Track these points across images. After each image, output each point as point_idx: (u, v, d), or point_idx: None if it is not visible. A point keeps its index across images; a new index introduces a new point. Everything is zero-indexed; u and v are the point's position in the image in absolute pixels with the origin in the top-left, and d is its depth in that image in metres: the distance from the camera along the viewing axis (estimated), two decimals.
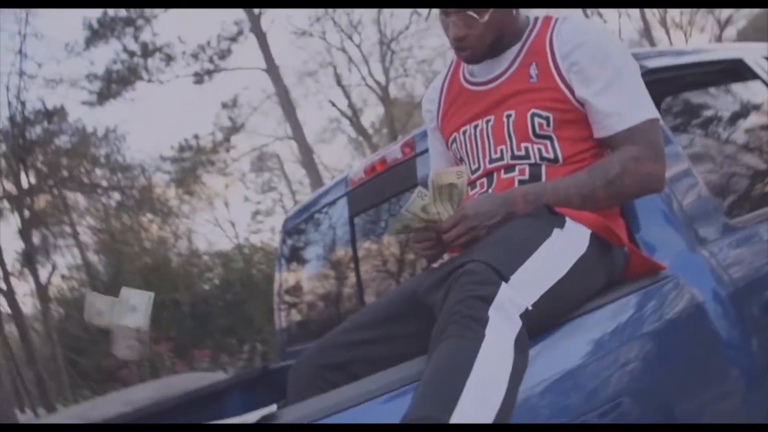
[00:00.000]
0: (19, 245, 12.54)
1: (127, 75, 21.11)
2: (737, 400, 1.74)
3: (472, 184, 1.93)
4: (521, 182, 1.83)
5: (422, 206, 1.65)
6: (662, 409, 1.61)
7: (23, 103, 11.64)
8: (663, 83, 2.19)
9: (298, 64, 34.68)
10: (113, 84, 20.55)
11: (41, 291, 12.09)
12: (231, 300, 12.07)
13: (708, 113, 2.50)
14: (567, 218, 1.67)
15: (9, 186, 12.01)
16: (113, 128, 16.79)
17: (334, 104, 27.22)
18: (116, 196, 13.75)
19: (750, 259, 2.02)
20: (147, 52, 21.65)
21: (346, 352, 1.81)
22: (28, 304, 13.73)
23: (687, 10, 22.78)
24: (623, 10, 21.38)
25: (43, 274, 12.90)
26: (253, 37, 22.45)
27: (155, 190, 16.28)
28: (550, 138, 1.85)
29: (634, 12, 22.67)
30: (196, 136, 23.71)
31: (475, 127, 1.96)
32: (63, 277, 13.71)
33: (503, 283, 1.38)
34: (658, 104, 1.94)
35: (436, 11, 2.02)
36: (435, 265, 1.86)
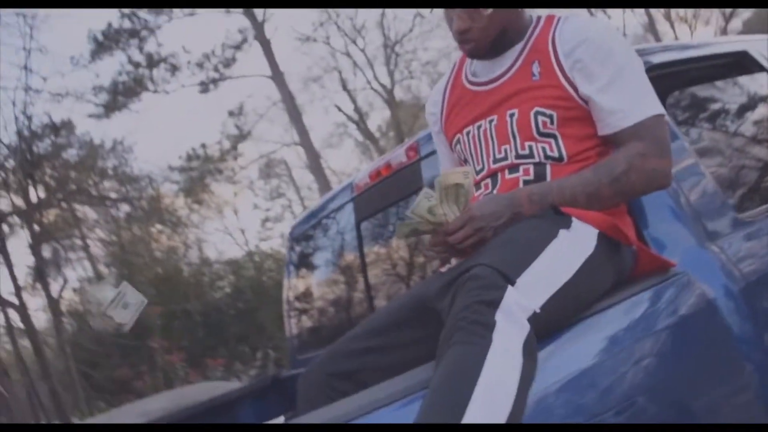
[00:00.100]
0: (31, 260, 12.58)
1: (133, 86, 21.17)
2: (751, 395, 1.72)
3: (476, 185, 1.92)
4: (526, 182, 1.82)
5: (428, 208, 1.64)
6: (677, 405, 1.60)
7: (30, 118, 11.65)
8: (668, 78, 2.17)
9: (303, 70, 34.77)
10: (119, 96, 20.62)
11: (53, 305, 12.12)
12: (242, 308, 12.08)
13: (714, 107, 2.47)
14: (573, 218, 1.65)
15: (18, 201, 12.04)
16: (120, 140, 16.85)
17: (340, 109, 27.24)
18: (125, 207, 13.78)
19: (761, 253, 1.99)
20: (152, 62, 21.71)
21: (355, 360, 1.79)
22: (40, 319, 13.78)
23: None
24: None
25: (55, 287, 12.94)
26: (258, 44, 22.54)
27: (164, 201, 16.31)
28: (554, 136, 1.83)
29: None
30: (204, 145, 23.77)
31: (479, 127, 1.94)
32: (75, 290, 13.74)
33: (509, 287, 1.36)
34: (663, 100, 1.92)
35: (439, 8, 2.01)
36: (443, 270, 1.84)
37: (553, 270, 1.50)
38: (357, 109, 26.98)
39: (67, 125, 15.05)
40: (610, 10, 20.57)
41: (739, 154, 2.41)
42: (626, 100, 1.80)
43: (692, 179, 2.02)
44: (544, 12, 2.09)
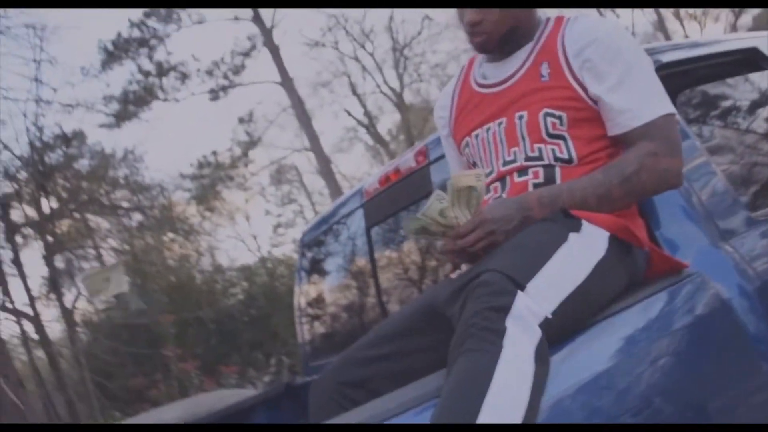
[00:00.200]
0: (44, 271, 12.63)
1: (143, 95, 21.26)
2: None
3: (486, 188, 1.90)
4: (536, 186, 1.80)
5: (440, 210, 1.62)
6: (693, 406, 1.57)
7: (41, 129, 11.70)
8: (678, 77, 2.15)
9: (312, 76, 34.85)
10: (130, 105, 20.70)
11: (67, 315, 12.15)
12: (255, 314, 12.08)
13: (725, 104, 2.45)
14: (583, 221, 1.63)
15: (31, 212, 12.09)
16: (131, 149, 16.90)
17: (349, 113, 27.31)
18: (137, 216, 13.81)
19: None
20: (162, 71, 21.79)
21: (365, 368, 1.78)
22: (55, 329, 13.83)
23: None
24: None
25: (69, 298, 12.97)
26: (266, 50, 22.60)
27: (176, 209, 16.35)
28: (563, 138, 1.82)
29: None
30: (215, 153, 23.83)
31: (488, 130, 1.93)
32: (88, 300, 13.77)
33: (519, 292, 1.35)
34: (674, 98, 1.91)
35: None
36: (453, 276, 1.83)
37: (564, 274, 1.48)
38: (367, 113, 27.04)
39: (79, 135, 15.11)
40: (619, 9, 20.51)
41: (751, 151, 2.39)
42: (636, 100, 1.78)
43: (704, 178, 2.00)
44: (552, 12, 2.08)
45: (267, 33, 22.38)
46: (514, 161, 1.86)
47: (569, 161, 1.81)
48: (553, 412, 1.35)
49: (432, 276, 2.98)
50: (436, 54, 28.24)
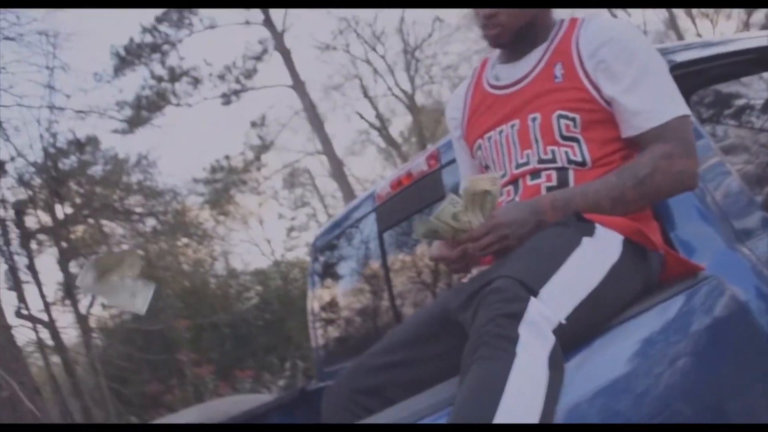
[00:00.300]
0: (59, 277, 12.66)
1: (156, 100, 21.35)
2: None
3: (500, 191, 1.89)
4: (549, 189, 1.78)
5: (453, 214, 1.61)
6: (712, 409, 1.56)
7: (54, 136, 11.74)
8: (692, 77, 2.13)
9: (324, 79, 34.85)
10: (143, 110, 20.79)
11: (82, 321, 12.19)
12: (270, 318, 12.09)
13: (739, 103, 2.43)
14: (597, 225, 1.61)
15: (45, 218, 12.14)
16: (145, 154, 16.95)
17: (361, 116, 27.31)
18: (151, 221, 13.84)
19: None
20: (174, 76, 21.88)
21: (379, 376, 1.76)
22: (70, 335, 13.87)
23: None
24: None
25: (84, 304, 13.01)
26: (278, 54, 22.64)
27: (189, 214, 16.37)
28: (577, 140, 1.80)
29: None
30: (227, 157, 23.89)
31: (500, 132, 1.91)
32: (103, 305, 13.81)
33: (532, 298, 1.33)
34: (688, 98, 1.89)
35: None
36: (464, 280, 1.81)
37: (578, 279, 1.46)
38: (379, 116, 27.04)
39: (92, 141, 15.15)
40: (630, 8, 20.42)
41: (766, 150, 2.36)
42: (651, 101, 1.76)
43: (718, 178, 1.98)
44: (564, 13, 2.06)
45: (278, 37, 22.43)
46: (527, 164, 1.85)
47: (583, 164, 1.79)
48: (570, 417, 1.34)
49: (445, 279, 2.96)
50: (448, 56, 28.17)
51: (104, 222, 13.17)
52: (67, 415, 10.78)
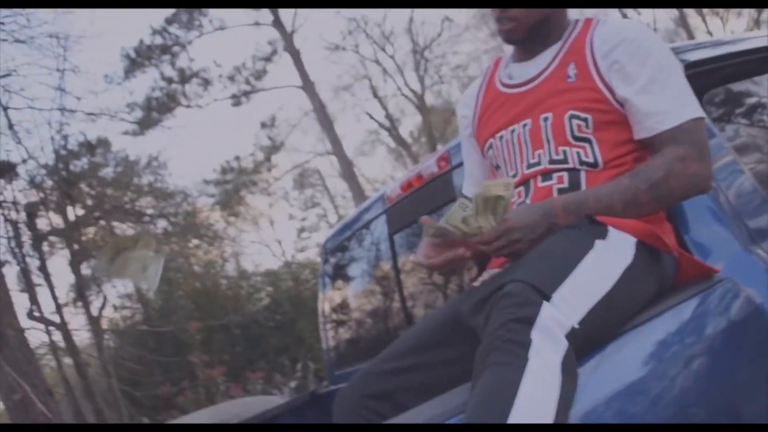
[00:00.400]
0: (71, 279, 12.71)
1: (166, 102, 21.42)
2: None
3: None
4: (560, 191, 1.77)
5: (463, 218, 1.59)
6: (729, 413, 1.54)
7: (66, 138, 11.78)
8: (705, 76, 2.10)
9: (333, 79, 34.93)
10: (153, 112, 20.86)
11: (94, 323, 12.23)
12: (281, 320, 12.10)
13: (751, 101, 2.41)
14: (609, 228, 1.59)
15: (57, 220, 12.19)
16: (156, 156, 17.00)
17: (371, 116, 27.33)
18: (162, 223, 13.87)
19: None
20: (184, 77, 21.95)
21: (389, 381, 1.75)
22: (83, 337, 13.92)
23: None
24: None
25: (96, 305, 13.06)
26: (287, 55, 22.68)
27: (200, 215, 16.40)
28: (589, 141, 1.78)
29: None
30: (238, 158, 23.97)
31: (512, 131, 1.90)
32: (115, 307, 13.86)
33: (545, 303, 1.31)
34: (700, 98, 1.87)
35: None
36: (476, 284, 1.79)
37: (591, 283, 1.44)
38: (388, 116, 27.05)
39: (103, 143, 15.20)
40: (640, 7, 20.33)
41: None
42: (665, 103, 1.74)
43: (732, 178, 1.96)
44: (572, 11, 2.05)
45: (288, 37, 22.47)
46: (538, 164, 1.83)
47: (594, 165, 1.77)
48: (585, 421, 1.33)
49: (456, 280, 2.95)
50: (457, 55, 28.09)
51: (115, 223, 13.20)
52: (79, 418, 10.82)
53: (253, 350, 11.99)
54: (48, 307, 11.25)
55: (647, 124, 1.75)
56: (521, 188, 1.86)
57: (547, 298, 1.32)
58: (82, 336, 13.71)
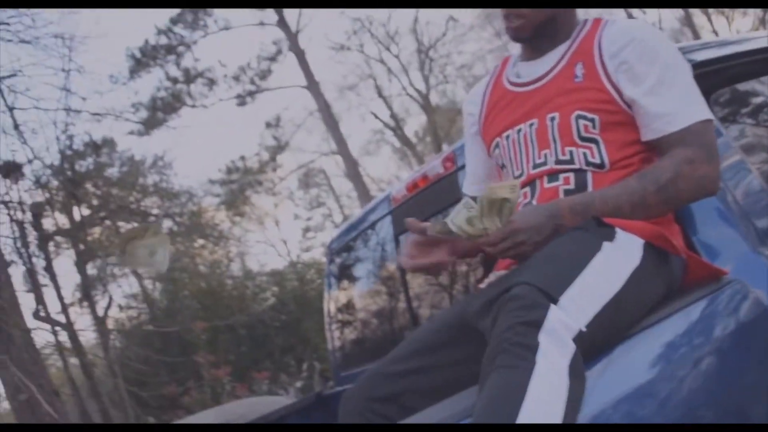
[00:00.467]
0: (77, 279, 12.74)
1: (171, 102, 21.45)
2: None
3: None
4: (567, 192, 1.75)
5: (468, 218, 1.58)
6: (738, 415, 1.53)
7: (71, 138, 11.79)
8: (712, 76, 2.09)
9: (338, 79, 34.88)
10: (158, 112, 20.89)
11: (100, 323, 12.25)
12: (286, 320, 12.10)
13: (757, 101, 2.39)
14: (617, 229, 1.58)
15: (63, 220, 12.21)
16: (161, 156, 17.03)
17: (376, 116, 27.30)
18: (167, 223, 13.88)
19: None
20: (189, 77, 21.99)
21: (396, 383, 1.74)
22: (88, 337, 13.95)
23: None
24: None
25: (102, 305, 13.09)
26: (292, 55, 22.70)
27: (205, 215, 16.42)
28: (596, 141, 1.77)
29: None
30: (243, 158, 24.01)
31: (518, 131, 1.89)
32: (120, 307, 13.88)
33: (552, 306, 1.30)
34: (708, 98, 1.85)
35: None
36: (482, 286, 1.79)
37: (598, 285, 1.43)
38: (393, 116, 27.04)
39: (109, 143, 15.24)
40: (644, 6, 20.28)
41: None
42: (673, 104, 1.73)
43: (739, 177, 1.95)
44: (578, 11, 2.03)
45: (292, 37, 22.48)
46: (544, 164, 1.82)
47: (601, 166, 1.76)
48: (598, 422, 1.32)
49: (462, 281, 2.94)
50: (462, 55, 28.01)
51: (121, 223, 13.22)
52: (85, 417, 10.83)
53: (258, 350, 11.99)
54: (54, 307, 11.27)
55: (655, 125, 1.74)
56: (527, 189, 1.85)
57: (555, 301, 1.31)
58: (88, 336, 13.75)
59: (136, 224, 12.77)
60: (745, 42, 2.35)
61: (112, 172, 14.88)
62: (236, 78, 23.02)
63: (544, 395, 1.21)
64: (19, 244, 10.34)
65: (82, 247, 12.15)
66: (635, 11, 18.94)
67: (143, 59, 20.61)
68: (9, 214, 9.88)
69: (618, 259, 1.52)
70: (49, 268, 11.36)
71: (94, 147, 13.63)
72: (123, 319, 13.59)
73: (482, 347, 1.34)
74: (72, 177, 11.69)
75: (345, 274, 3.64)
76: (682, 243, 1.73)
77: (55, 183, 11.60)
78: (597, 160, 1.76)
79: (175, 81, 21.77)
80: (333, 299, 3.63)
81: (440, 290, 3.06)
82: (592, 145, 1.77)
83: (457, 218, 1.58)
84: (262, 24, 23.11)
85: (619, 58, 1.77)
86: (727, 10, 22.77)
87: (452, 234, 1.61)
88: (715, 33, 22.06)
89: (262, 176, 24.21)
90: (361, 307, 3.52)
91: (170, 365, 10.58)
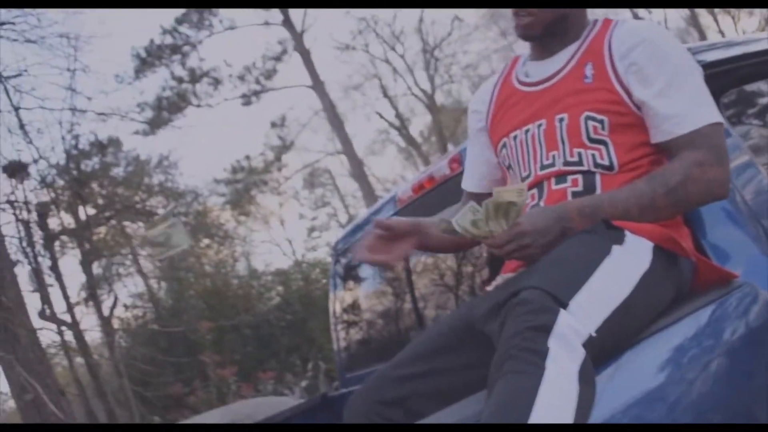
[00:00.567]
0: (82, 278, 12.75)
1: (176, 101, 21.48)
2: None
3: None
4: (575, 194, 1.74)
5: (473, 221, 1.57)
6: (748, 420, 1.51)
7: (77, 138, 11.81)
8: (721, 77, 2.07)
9: (344, 79, 34.85)
10: (164, 111, 20.92)
11: (105, 323, 12.26)
12: (291, 319, 12.10)
13: (763, 102, 2.38)
14: (626, 232, 1.57)
15: (68, 220, 12.23)
16: (166, 155, 17.04)
17: (381, 116, 27.29)
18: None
19: None
20: (195, 77, 22.01)
21: (402, 387, 1.72)
22: (94, 337, 13.96)
23: None
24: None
25: (107, 305, 13.10)
26: (297, 55, 22.71)
27: (210, 214, 16.44)
28: (604, 143, 1.75)
29: None
30: (248, 157, 24.01)
31: (527, 131, 1.87)
32: (126, 306, 13.89)
33: (562, 310, 1.29)
34: (717, 99, 1.84)
35: None
36: (489, 288, 1.77)
37: (608, 290, 1.42)
38: (398, 116, 27.01)
39: (114, 143, 15.26)
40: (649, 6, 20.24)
41: None
42: (683, 106, 1.71)
43: (748, 176, 1.94)
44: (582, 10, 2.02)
45: (298, 37, 22.49)
46: (552, 165, 1.80)
47: (610, 168, 1.74)
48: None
49: (468, 281, 2.93)
50: (467, 55, 27.97)
51: (126, 223, 13.24)
52: (91, 417, 10.84)
53: (263, 350, 12.00)
54: (59, 307, 11.28)
55: (664, 127, 1.72)
56: (534, 190, 1.83)
57: (564, 306, 1.30)
58: (93, 336, 13.76)
59: (141, 224, 12.81)
60: (752, 43, 2.34)
61: (118, 171, 14.89)
62: (241, 78, 23.05)
63: (554, 401, 1.19)
64: (24, 244, 10.35)
65: (87, 246, 12.16)
66: (641, 11, 18.91)
67: (148, 59, 20.64)
68: (14, 214, 9.90)
69: (627, 263, 1.50)
70: (54, 268, 11.37)
71: (99, 147, 13.65)
72: (128, 319, 13.59)
73: (489, 351, 1.33)
74: (77, 176, 11.70)
75: (350, 274, 3.64)
76: (691, 246, 1.72)
77: (60, 182, 11.62)
78: (606, 162, 1.75)
79: (180, 81, 21.81)
80: (338, 300, 3.62)
81: (446, 291, 3.05)
82: (601, 147, 1.75)
83: (462, 220, 1.57)
84: (267, 24, 23.14)
85: (629, 59, 1.76)
86: (733, 10, 22.71)
87: (457, 234, 1.60)
88: (722, 33, 22.00)
89: (267, 176, 24.22)
90: (367, 308, 3.52)
91: (176, 365, 10.59)
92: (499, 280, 1.75)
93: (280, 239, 30.14)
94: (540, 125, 1.84)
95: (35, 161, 10.39)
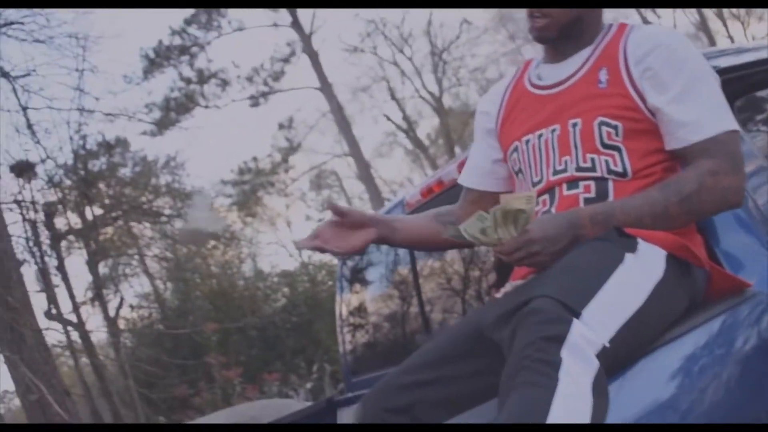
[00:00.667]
0: (88, 278, 12.78)
1: (184, 102, 21.52)
2: None
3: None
4: (587, 201, 1.71)
5: (481, 229, 1.55)
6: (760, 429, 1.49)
7: (84, 138, 11.83)
8: (735, 83, 2.05)
9: (352, 81, 34.90)
10: (171, 112, 20.96)
11: (111, 323, 12.28)
12: (297, 321, 12.10)
13: None
14: (639, 240, 1.54)
15: (75, 220, 12.26)
16: (173, 156, 17.06)
17: (389, 118, 27.26)
18: (179, 223, 13.92)
19: None
20: (203, 78, 22.05)
21: (410, 394, 1.69)
22: (100, 337, 13.98)
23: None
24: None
25: (113, 305, 13.13)
26: (306, 57, 22.73)
27: (217, 215, 16.47)
28: (618, 149, 1.72)
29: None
30: (255, 159, 24.06)
31: (539, 136, 1.84)
32: (132, 307, 13.91)
33: (575, 320, 1.26)
34: (731, 106, 1.81)
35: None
36: (498, 295, 1.75)
37: (621, 299, 1.39)
38: (406, 118, 27.00)
39: (122, 143, 15.30)
40: (660, 10, 20.23)
41: None
42: (698, 113, 1.67)
43: (760, 180, 1.91)
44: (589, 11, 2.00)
45: (306, 39, 22.51)
46: (564, 171, 1.77)
47: (623, 174, 1.71)
48: None
49: (475, 286, 2.91)
50: (475, 58, 27.91)
51: (133, 223, 13.27)
52: (96, 417, 10.85)
53: (269, 352, 11.99)
54: (66, 307, 11.31)
55: (679, 134, 1.69)
56: (546, 196, 1.80)
57: (577, 315, 1.28)
58: (99, 336, 13.79)
59: (148, 224, 12.84)
60: (763, 49, 2.31)
61: (125, 172, 14.94)
62: (249, 79, 23.09)
63: (568, 414, 1.17)
64: (31, 244, 10.38)
65: (94, 246, 12.19)
66: (650, 16, 18.88)
67: (157, 59, 20.69)
68: (22, 214, 9.93)
69: (641, 272, 1.48)
70: (61, 268, 11.40)
71: (107, 147, 13.68)
72: (134, 319, 13.61)
73: (498, 358, 1.31)
74: (85, 177, 11.74)
75: (357, 277, 3.62)
76: (705, 254, 1.69)
77: (67, 183, 11.65)
78: (619, 169, 1.72)
79: (188, 81, 21.86)
80: (345, 303, 3.61)
81: (453, 295, 3.03)
82: (615, 153, 1.72)
83: (470, 227, 1.55)
84: (275, 25, 23.17)
85: (645, 64, 1.73)
86: (742, 15, 22.65)
87: (465, 240, 1.58)
88: (731, 38, 21.95)
89: (274, 177, 24.25)
90: (373, 311, 3.50)
91: (181, 366, 10.59)
92: (508, 287, 1.73)
93: (286, 241, 30.06)
94: (554, 130, 1.81)
95: (43, 161, 10.43)
